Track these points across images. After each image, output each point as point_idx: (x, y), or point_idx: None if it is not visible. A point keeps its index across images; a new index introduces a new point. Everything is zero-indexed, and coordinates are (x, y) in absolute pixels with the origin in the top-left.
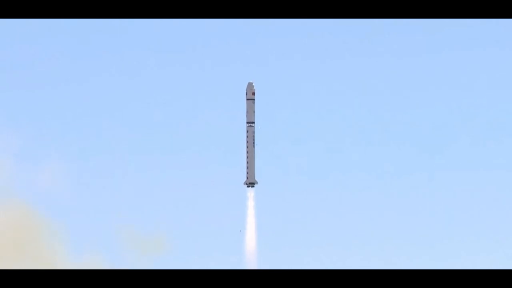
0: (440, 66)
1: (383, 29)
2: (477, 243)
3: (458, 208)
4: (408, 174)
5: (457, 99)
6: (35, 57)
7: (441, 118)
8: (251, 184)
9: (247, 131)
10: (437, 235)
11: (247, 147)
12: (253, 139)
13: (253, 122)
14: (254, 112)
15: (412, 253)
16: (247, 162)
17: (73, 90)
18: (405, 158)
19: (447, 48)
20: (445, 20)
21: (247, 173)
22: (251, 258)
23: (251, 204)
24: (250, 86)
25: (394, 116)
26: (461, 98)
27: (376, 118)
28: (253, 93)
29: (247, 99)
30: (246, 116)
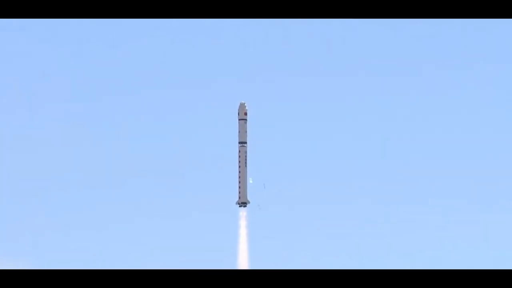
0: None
1: (380, 41)
2: (477, 243)
3: (458, 208)
4: (406, 175)
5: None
6: None
7: (439, 118)
8: (243, 204)
9: (239, 151)
10: (437, 235)
11: (239, 167)
12: (245, 159)
13: (245, 142)
14: (246, 132)
15: (412, 253)
16: (239, 182)
17: None
18: (403, 162)
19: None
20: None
21: (239, 192)
22: None
23: (243, 224)
24: (242, 106)
25: (392, 126)
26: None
27: (370, 133)
28: (245, 113)
29: (239, 119)
30: (238, 136)
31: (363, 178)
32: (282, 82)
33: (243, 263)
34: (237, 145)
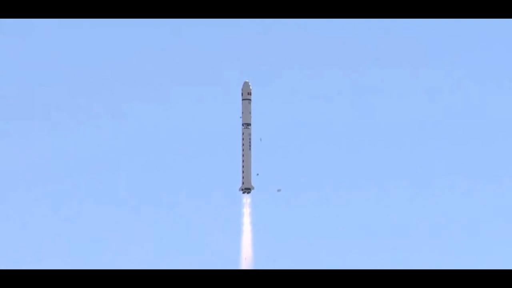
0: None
1: (380, 29)
2: (478, 243)
3: (458, 208)
4: (407, 175)
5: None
6: None
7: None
8: (247, 189)
9: (243, 133)
10: (437, 235)
11: (243, 150)
12: (249, 142)
13: (249, 124)
14: (250, 113)
15: (412, 253)
16: (243, 166)
17: None
18: (404, 159)
19: None
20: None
21: (243, 178)
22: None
23: (247, 211)
24: (246, 85)
25: (394, 117)
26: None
27: (375, 119)
28: (249, 93)
29: (243, 99)
30: (242, 117)
31: (368, 165)
32: (287, 60)
33: (247, 254)
34: (240, 126)
